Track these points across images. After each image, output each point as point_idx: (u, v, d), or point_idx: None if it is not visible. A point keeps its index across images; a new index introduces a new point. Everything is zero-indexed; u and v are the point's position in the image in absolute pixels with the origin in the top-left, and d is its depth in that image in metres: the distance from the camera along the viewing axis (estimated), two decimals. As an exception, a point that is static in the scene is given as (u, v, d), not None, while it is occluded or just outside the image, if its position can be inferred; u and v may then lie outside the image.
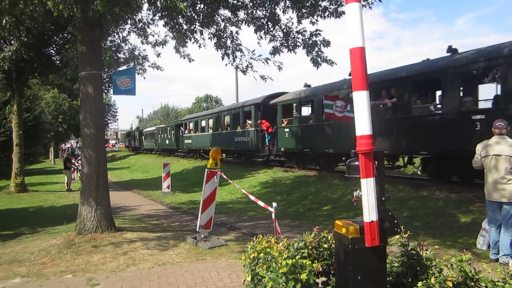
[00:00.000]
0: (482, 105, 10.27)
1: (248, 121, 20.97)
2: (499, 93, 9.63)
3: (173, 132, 35.22)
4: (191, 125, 30.65)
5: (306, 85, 17.26)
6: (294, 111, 16.74)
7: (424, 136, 10.81)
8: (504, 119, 6.11)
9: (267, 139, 19.30)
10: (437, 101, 11.42)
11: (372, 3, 9.41)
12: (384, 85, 12.37)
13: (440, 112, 10.80)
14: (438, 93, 11.39)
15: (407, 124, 11.35)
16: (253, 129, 19.91)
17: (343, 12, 9.38)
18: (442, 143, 10.24)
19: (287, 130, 17.17)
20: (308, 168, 17.01)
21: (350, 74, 14.03)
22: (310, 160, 17.08)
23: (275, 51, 10.03)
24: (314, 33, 9.68)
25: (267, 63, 9.85)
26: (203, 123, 27.76)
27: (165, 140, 37.43)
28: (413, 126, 11.20)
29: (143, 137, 49.83)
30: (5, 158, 23.99)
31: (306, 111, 17.55)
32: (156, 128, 43.67)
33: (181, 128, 33.28)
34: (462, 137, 9.63)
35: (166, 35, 10.50)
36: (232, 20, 9.47)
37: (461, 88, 10.28)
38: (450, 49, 10.98)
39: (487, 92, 10.23)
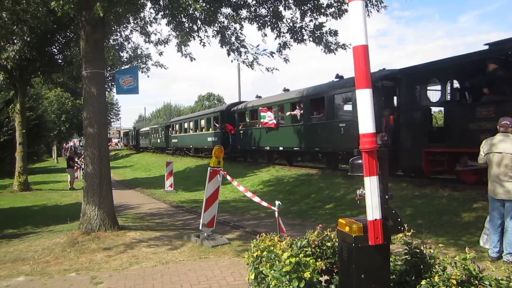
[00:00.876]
0: (343, 117, 14.29)
1: (216, 124, 25.35)
2: (351, 109, 13.74)
3: (163, 132, 39.87)
4: (177, 126, 34.73)
5: (257, 96, 21.92)
6: (246, 118, 21.77)
7: (318, 137, 15.53)
8: (509, 117, 6.07)
9: (230, 139, 23.35)
10: (323, 113, 15.61)
11: (371, 11, 9.43)
12: (297, 101, 17.30)
13: (324, 121, 15.30)
14: (323, 107, 15.51)
15: (307, 129, 16.36)
16: (220, 131, 24.35)
17: (346, 10, 9.36)
18: (327, 142, 14.99)
19: (242, 132, 22.07)
20: (259, 162, 21.30)
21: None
22: (257, 156, 21.77)
23: (284, 46, 10.00)
24: (318, 26, 9.64)
25: (273, 56, 9.83)
26: (186, 125, 32.49)
27: (157, 139, 42.24)
28: (311, 130, 16.17)
29: (139, 136, 53.75)
30: (8, 157, 24.08)
31: (252, 117, 21.52)
32: (150, 129, 48.38)
33: (170, 129, 37.35)
34: (336, 137, 14.27)
35: (169, 34, 10.49)
36: (234, 18, 9.46)
37: (334, 105, 14.67)
38: (337, 76, 15.47)
39: (347, 108, 14.44)
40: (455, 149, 9.90)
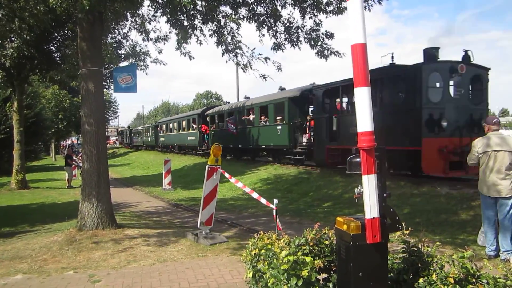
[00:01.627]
0: (280, 122, 18.11)
1: (193, 125, 29.23)
2: (285, 114, 17.74)
3: (153, 131, 43.76)
4: (164, 126, 38.75)
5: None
6: (216, 120, 26.08)
7: (264, 137, 19.60)
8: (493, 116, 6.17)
9: (206, 138, 27.21)
10: (267, 118, 19.54)
11: (372, 5, 9.38)
12: (251, 108, 21.31)
13: (268, 124, 19.38)
14: (267, 113, 19.59)
15: (256, 131, 20.34)
16: (197, 131, 28.14)
17: (345, 8, 9.33)
18: (270, 140, 19.07)
19: (213, 132, 26.10)
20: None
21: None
22: (225, 152, 24.17)
23: (278, 46, 9.96)
24: (314, 27, 9.62)
25: (266, 62, 9.77)
26: (171, 125, 36.43)
27: (148, 138, 46.28)
28: (260, 131, 20.06)
29: (132, 134, 57.90)
30: (6, 155, 24.04)
31: (220, 120, 25.63)
32: (142, 128, 52.95)
33: (158, 128, 41.21)
34: (276, 137, 18.40)
35: (170, 31, 10.46)
36: (233, 17, 9.43)
37: (273, 112, 18.72)
38: (280, 88, 20.27)
39: (280, 115, 18.34)
40: (344, 146, 13.51)
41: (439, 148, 10.45)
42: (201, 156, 27.37)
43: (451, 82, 11.28)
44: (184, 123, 32.05)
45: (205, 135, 27.10)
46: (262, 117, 19.90)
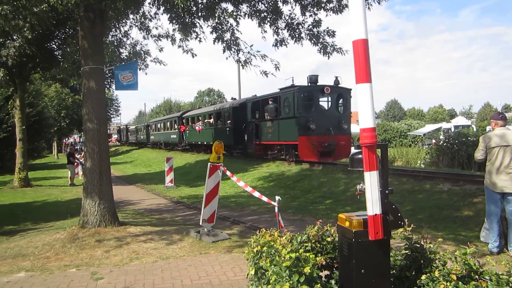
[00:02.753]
0: (228, 125, 23.17)
1: (175, 125, 34.86)
2: (232, 120, 22.84)
3: (145, 130, 48.58)
4: (153, 126, 44.42)
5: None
6: (189, 122, 31.47)
7: (219, 135, 23.41)
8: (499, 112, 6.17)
9: (184, 137, 32.57)
10: (219, 121, 25.11)
11: (371, 4, 9.35)
12: (210, 113, 27.11)
13: (222, 126, 24.56)
14: (221, 118, 25.04)
15: (213, 131, 25.67)
16: (177, 130, 33.81)
17: (346, 6, 9.30)
18: (223, 138, 20.89)
19: (188, 131, 31.61)
20: (199, 152, 29.52)
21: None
22: (195, 148, 30.79)
23: (281, 42, 9.94)
24: (314, 24, 9.58)
25: (264, 60, 9.75)
26: (158, 125, 41.99)
27: (141, 136, 50.84)
28: (216, 131, 25.20)
29: (128, 133, 63.12)
30: (8, 153, 24.11)
31: (193, 122, 30.77)
32: (135, 127, 59.35)
33: (149, 127, 46.69)
34: (226, 136, 22.73)
35: (173, 29, 10.41)
36: (233, 14, 9.41)
37: (225, 117, 24.03)
38: (232, 98, 28.19)
39: (229, 119, 23.64)
40: (263, 142, 19.63)
41: (310, 143, 16.26)
42: (181, 151, 33.11)
43: (321, 99, 17.51)
44: (168, 123, 37.88)
45: (183, 134, 32.68)
46: (219, 121, 25.42)
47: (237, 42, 9.74)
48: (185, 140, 32.31)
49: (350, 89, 17.72)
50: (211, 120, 26.49)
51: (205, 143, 27.47)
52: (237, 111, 22.62)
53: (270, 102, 18.94)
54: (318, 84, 17.44)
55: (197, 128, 28.65)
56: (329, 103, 17.68)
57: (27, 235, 8.17)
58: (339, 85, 17.58)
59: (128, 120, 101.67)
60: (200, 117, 29.04)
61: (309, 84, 17.53)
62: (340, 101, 17.86)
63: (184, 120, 32.76)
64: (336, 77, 17.50)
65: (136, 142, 54.29)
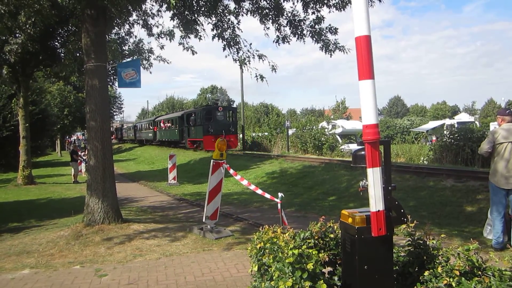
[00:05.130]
0: (176, 128, 34.70)
1: (150, 126, 44.98)
2: (178, 124, 34.71)
3: (133, 129, 57.40)
4: (139, 126, 53.98)
5: (166, 113, 49.66)
6: (158, 124, 40.89)
7: (172, 135, 36.04)
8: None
9: (156, 135, 42.13)
10: (172, 125, 36.01)
11: (373, 1, 9.30)
12: (168, 119, 38.53)
13: (174, 128, 35.47)
14: (173, 123, 36.07)
15: (168, 132, 37.98)
16: (152, 130, 43.89)
17: (349, 2, 9.26)
18: (174, 137, 35.59)
19: (158, 132, 41.40)
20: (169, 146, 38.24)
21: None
22: (163, 144, 39.91)
23: (283, 39, 9.90)
24: (317, 21, 9.54)
25: (263, 60, 9.69)
26: (141, 125, 52.27)
27: (130, 134, 59.97)
28: (170, 133, 37.05)
29: (123, 131, 70.00)
30: (12, 150, 24.16)
31: (166, 124, 39.34)
32: (127, 127, 67.38)
33: (136, 127, 55.92)
34: (175, 135, 35.03)
35: (173, 26, 10.40)
36: (235, 11, 9.39)
37: (175, 122, 35.17)
38: (215, 102, 37.03)
39: (175, 124, 35.87)
40: (190, 139, 31.05)
41: (210, 139, 26.10)
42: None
43: (218, 113, 29.01)
44: (147, 125, 48.15)
45: (156, 133, 42.82)
46: (172, 125, 36.25)
47: (237, 40, 9.72)
48: (156, 137, 42.74)
49: (236, 107, 36.01)
50: (169, 124, 37.87)
51: (166, 139, 38.97)
52: (180, 119, 34.07)
53: (192, 115, 31.32)
54: (217, 105, 31.58)
55: (163, 128, 39.82)
56: (222, 116, 29.51)
57: (31, 232, 8.21)
58: (228, 106, 35.26)
59: (131, 118, 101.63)
60: (164, 121, 40.03)
61: (211, 104, 33.97)
62: (228, 114, 30.36)
63: (156, 123, 43.57)
64: (228, 101, 35.67)
65: (127, 139, 64.86)
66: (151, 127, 44.49)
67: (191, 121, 30.69)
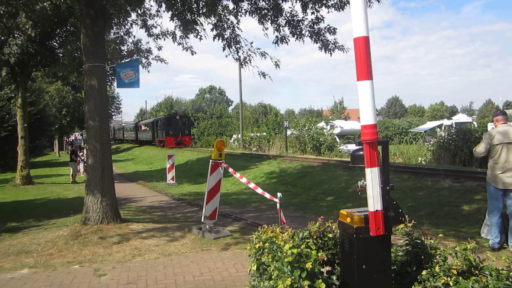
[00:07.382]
0: (150, 130, 45.52)
1: (133, 129, 53.48)
2: (150, 128, 46.51)
3: (122, 130, 65.15)
4: (127, 128, 61.81)
5: (152, 118, 55.53)
6: (139, 127, 50.08)
7: (148, 135, 45.82)
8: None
9: (137, 136, 50.32)
10: (148, 128, 46.66)
11: (372, 2, 9.32)
12: (149, 123, 47.07)
13: (149, 131, 45.21)
14: (149, 126, 45.42)
15: (145, 133, 47.81)
16: (134, 132, 52.63)
17: (348, 2, 9.28)
18: (149, 137, 45.37)
19: (139, 133, 50.29)
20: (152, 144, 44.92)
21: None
22: (144, 143, 47.44)
23: (281, 40, 9.90)
24: (315, 21, 9.55)
25: (264, 57, 9.69)
26: (127, 127, 61.00)
27: (119, 135, 66.95)
28: (146, 134, 46.79)
29: (115, 131, 75.06)
30: (10, 151, 24.13)
31: (144, 127, 47.79)
32: (118, 128, 73.43)
33: (123, 129, 64.25)
34: (150, 135, 45.16)
35: (175, 27, 10.40)
36: (234, 11, 9.40)
37: (152, 125, 44.50)
38: (175, 113, 46.09)
39: (150, 127, 46.48)
40: (158, 138, 41.21)
41: (170, 139, 37.59)
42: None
43: (175, 120, 39.32)
44: (132, 127, 56.45)
45: (138, 134, 51.28)
46: (148, 128, 44.69)
47: (237, 40, 9.72)
48: (138, 138, 51.14)
49: (190, 116, 45.40)
50: (146, 128, 46.48)
51: (144, 139, 47.33)
52: (152, 124, 43.14)
53: (159, 121, 40.78)
54: (176, 114, 41.62)
55: (141, 130, 48.87)
56: (179, 122, 39.12)
57: (30, 232, 8.21)
58: (184, 115, 43.91)
59: (129, 118, 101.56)
60: (143, 125, 48.91)
61: (171, 114, 43.73)
62: (183, 121, 39.72)
63: (137, 126, 51.97)
64: (184, 111, 53.37)
65: (118, 139, 71.30)
66: (134, 130, 55.64)
67: (159, 125, 40.88)
